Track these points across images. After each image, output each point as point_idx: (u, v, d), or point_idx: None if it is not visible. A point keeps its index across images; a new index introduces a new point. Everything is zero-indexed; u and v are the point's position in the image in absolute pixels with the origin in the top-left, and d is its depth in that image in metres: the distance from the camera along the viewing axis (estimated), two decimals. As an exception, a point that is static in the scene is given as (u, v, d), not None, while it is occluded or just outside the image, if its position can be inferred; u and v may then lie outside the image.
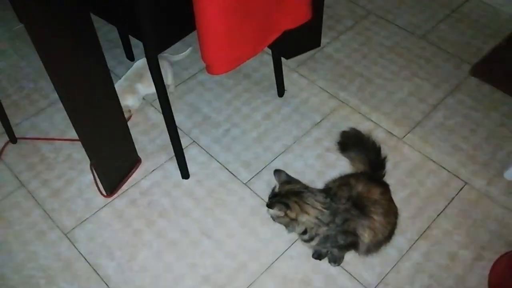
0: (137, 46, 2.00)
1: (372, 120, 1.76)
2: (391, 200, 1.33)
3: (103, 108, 1.44)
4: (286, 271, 1.42)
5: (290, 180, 1.27)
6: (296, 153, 1.69)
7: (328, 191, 1.29)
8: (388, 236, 1.34)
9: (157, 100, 1.40)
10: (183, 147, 1.65)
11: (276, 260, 1.43)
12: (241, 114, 1.81)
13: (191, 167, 1.64)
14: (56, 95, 1.92)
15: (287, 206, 1.21)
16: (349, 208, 1.25)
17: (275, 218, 1.25)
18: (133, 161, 1.65)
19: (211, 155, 1.68)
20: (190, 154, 1.69)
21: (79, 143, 1.70)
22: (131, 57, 1.99)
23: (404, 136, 1.71)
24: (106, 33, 2.08)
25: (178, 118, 1.79)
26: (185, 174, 1.62)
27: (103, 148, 1.50)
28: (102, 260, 1.45)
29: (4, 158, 1.69)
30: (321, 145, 1.70)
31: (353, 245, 1.31)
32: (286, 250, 1.45)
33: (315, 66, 1.95)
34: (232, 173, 1.64)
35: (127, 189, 1.60)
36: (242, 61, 1.37)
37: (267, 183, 1.60)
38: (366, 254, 1.36)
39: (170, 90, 1.86)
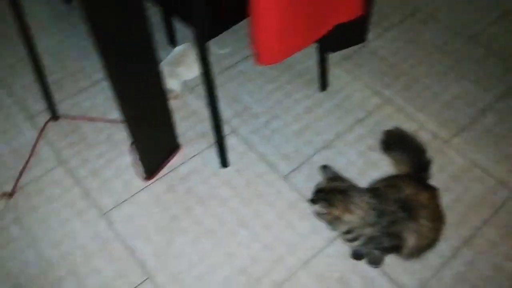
0: (179, 31, 1.99)
1: (416, 121, 1.72)
2: (439, 205, 1.29)
3: (149, 90, 1.43)
4: (323, 268, 1.39)
5: (337, 177, 1.24)
6: (337, 149, 1.66)
7: (375, 191, 1.26)
8: (433, 242, 1.31)
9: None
10: (215, 133, 1.65)
11: (313, 256, 1.41)
12: (282, 106, 1.78)
13: (230, 156, 1.62)
14: (98, 76, 1.96)
15: (332, 204, 1.18)
16: (396, 210, 1.22)
17: (318, 215, 1.23)
18: (173, 146, 1.64)
19: (250, 146, 1.67)
20: (229, 143, 1.67)
21: (120, 124, 1.71)
22: (173, 42, 1.98)
23: (450, 139, 1.67)
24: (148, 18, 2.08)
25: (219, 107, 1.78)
26: (224, 163, 1.61)
27: (146, 131, 1.50)
28: (139, 243, 1.45)
29: (46, 134, 1.71)
30: (364, 143, 1.66)
31: (396, 248, 1.28)
32: (324, 247, 1.43)
33: (359, 62, 1.91)
34: (271, 165, 1.62)
35: (166, 174, 1.60)
36: (291, 53, 1.34)
37: (306, 178, 1.58)
38: (408, 258, 1.32)
39: None
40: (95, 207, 1.52)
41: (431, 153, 1.37)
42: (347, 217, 1.18)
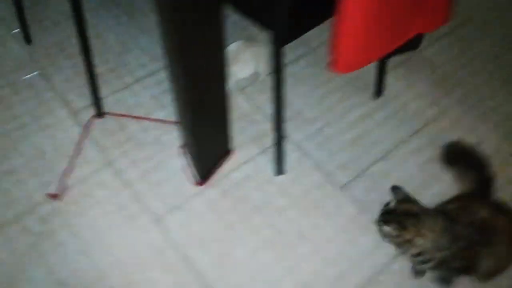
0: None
1: (476, 133, 1.67)
2: None
3: (212, 90, 1.36)
4: (389, 286, 1.34)
5: (408, 199, 1.20)
6: (395, 160, 1.60)
7: (448, 214, 1.21)
8: (507, 266, 1.26)
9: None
10: (275, 142, 1.59)
11: (378, 273, 1.36)
12: (334, 113, 1.72)
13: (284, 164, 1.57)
14: (141, 72, 1.86)
15: (404, 227, 1.14)
16: (470, 234, 1.17)
17: (386, 236, 1.18)
18: (225, 151, 1.58)
19: (304, 153, 1.60)
20: (286, 149, 1.61)
21: (168, 124, 1.64)
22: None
23: (513, 154, 1.62)
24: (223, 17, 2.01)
25: (269, 110, 1.71)
26: (280, 170, 1.54)
27: (202, 133, 1.43)
28: (195, 252, 1.38)
29: (91, 132, 1.63)
30: (423, 155, 1.61)
31: (468, 271, 1.24)
32: (388, 263, 1.37)
33: (412, 69, 1.86)
34: (327, 174, 1.56)
35: (218, 180, 1.53)
36: (370, 62, 1.28)
37: (365, 190, 1.52)
38: (479, 281, 1.28)
39: (260, 78, 1.77)
40: (147, 212, 1.45)
41: (494, 167, 1.33)
42: (419, 241, 1.15)
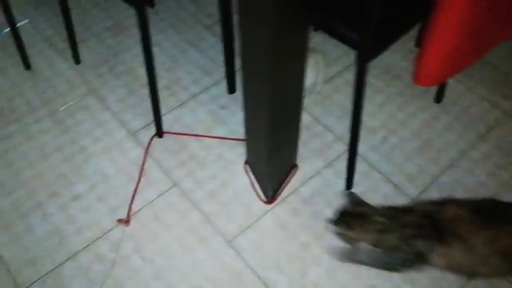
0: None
1: (544, 136, 1.62)
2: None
3: (289, 105, 1.32)
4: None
5: (361, 202, 1.28)
6: (464, 168, 1.56)
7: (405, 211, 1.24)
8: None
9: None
10: (339, 154, 1.56)
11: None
12: (396, 120, 1.68)
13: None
14: (195, 88, 1.82)
15: (350, 227, 1.24)
16: (424, 225, 1.17)
17: (338, 235, 1.28)
18: (291, 166, 1.55)
19: (371, 164, 1.57)
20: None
21: (229, 142, 1.61)
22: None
23: None
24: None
25: (329, 121, 1.67)
26: (349, 184, 1.51)
27: (270, 149, 1.39)
28: (271, 273, 1.36)
29: (152, 153, 1.61)
30: (491, 161, 1.56)
31: (417, 262, 1.21)
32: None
33: (470, 71, 1.81)
34: (397, 187, 1.53)
35: (286, 196, 1.50)
36: (455, 73, 1.24)
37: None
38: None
39: (317, 88, 1.74)
40: (219, 234, 1.43)
41: None
42: (363, 237, 1.24)
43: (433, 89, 1.71)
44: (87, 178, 1.54)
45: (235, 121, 1.68)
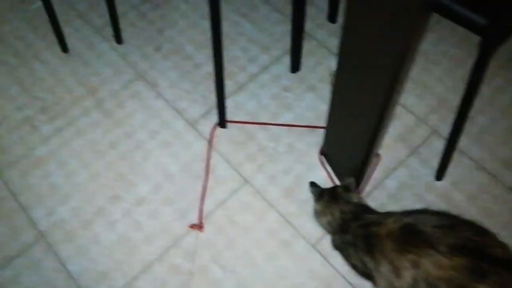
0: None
1: None
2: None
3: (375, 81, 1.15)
4: None
5: (350, 188, 1.22)
6: None
7: (366, 211, 1.18)
8: None
9: None
10: (423, 139, 1.41)
11: None
12: (482, 97, 1.51)
13: (436, 164, 1.38)
14: (254, 68, 1.61)
15: (318, 198, 1.24)
16: (357, 234, 1.12)
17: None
18: (374, 155, 1.40)
19: (461, 151, 1.41)
20: (434, 147, 1.43)
21: (298, 129, 1.46)
22: (333, 19, 1.67)
23: None
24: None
25: (409, 100, 1.51)
26: (440, 175, 1.37)
27: (351, 136, 1.24)
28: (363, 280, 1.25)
29: (216, 146, 1.46)
30: None
31: (365, 276, 1.14)
32: None
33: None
34: (492, 174, 1.38)
35: (371, 191, 1.37)
36: None
37: (538, 189, 1.35)
38: None
39: None
40: (301, 237, 1.30)
41: None
42: (321, 217, 1.22)
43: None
44: (149, 177, 1.40)
45: (302, 105, 1.52)
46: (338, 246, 1.22)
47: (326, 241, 1.29)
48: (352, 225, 1.15)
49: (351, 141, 1.25)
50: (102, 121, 1.50)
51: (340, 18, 1.66)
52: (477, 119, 1.46)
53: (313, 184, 1.28)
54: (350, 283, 1.24)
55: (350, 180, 1.22)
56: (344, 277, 1.25)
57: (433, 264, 0.99)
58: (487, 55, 0.98)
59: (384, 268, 1.05)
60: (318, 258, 1.28)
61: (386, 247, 1.04)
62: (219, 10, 1.12)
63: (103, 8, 1.67)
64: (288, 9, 1.69)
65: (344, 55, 1.04)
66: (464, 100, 1.15)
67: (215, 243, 1.30)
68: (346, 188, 1.22)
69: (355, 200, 1.20)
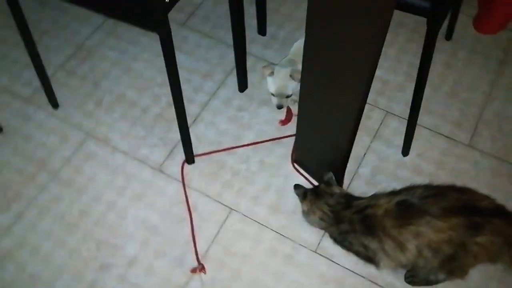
0: (272, 21, 1.71)
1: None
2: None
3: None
4: None
5: (331, 183, 1.26)
6: (500, 98, 1.55)
7: (353, 199, 1.23)
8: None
9: None
10: (380, 121, 1.49)
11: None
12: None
13: (398, 141, 1.47)
14: (202, 97, 1.59)
15: (304, 198, 1.26)
16: (353, 220, 1.17)
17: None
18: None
19: (406, 120, 1.51)
20: (391, 127, 1.50)
21: (263, 145, 1.47)
22: (263, 31, 1.70)
23: None
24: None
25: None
26: (407, 150, 1.44)
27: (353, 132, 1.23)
28: (372, 268, 1.29)
29: (190, 183, 1.43)
30: None
31: (369, 260, 1.20)
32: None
33: None
34: (449, 137, 1.48)
35: (350, 183, 1.41)
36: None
37: (491, 140, 1.48)
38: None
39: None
40: (301, 246, 1.31)
41: None
42: (312, 214, 1.26)
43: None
44: (132, 235, 1.34)
45: (260, 121, 1.53)
46: (337, 238, 1.26)
47: (325, 243, 1.32)
48: (345, 213, 1.19)
49: (327, 143, 1.29)
50: (63, 192, 1.41)
51: (270, 29, 1.71)
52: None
53: (297, 186, 1.30)
54: (362, 276, 1.27)
55: (329, 175, 1.26)
56: (353, 272, 1.28)
57: (432, 229, 1.05)
58: (434, 32, 1.07)
59: (388, 246, 1.10)
60: (324, 261, 1.30)
61: (387, 225, 1.09)
62: (173, 54, 1.11)
63: (27, 76, 1.59)
64: (218, 32, 1.71)
65: (309, 63, 1.07)
66: (418, 78, 1.23)
67: (221, 279, 1.28)
68: (327, 183, 1.26)
69: (337, 191, 1.24)
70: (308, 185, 1.40)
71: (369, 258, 1.20)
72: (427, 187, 1.15)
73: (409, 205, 1.11)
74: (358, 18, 0.87)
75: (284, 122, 1.51)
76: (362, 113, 1.15)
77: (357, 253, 1.23)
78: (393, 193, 1.17)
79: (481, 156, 1.45)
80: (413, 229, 1.08)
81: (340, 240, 1.25)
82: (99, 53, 1.69)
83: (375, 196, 1.19)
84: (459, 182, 1.37)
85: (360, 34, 0.89)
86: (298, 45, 1.52)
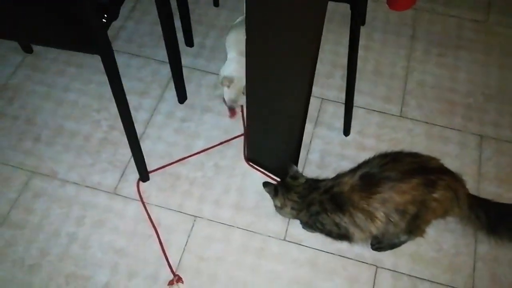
0: (197, 31, 1.76)
1: None
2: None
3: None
4: None
5: (295, 176, 1.30)
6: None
7: (314, 183, 1.29)
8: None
9: None
10: (317, 108, 1.57)
11: None
12: (340, 54, 1.73)
13: (338, 124, 1.56)
14: (144, 114, 1.60)
15: (276, 194, 1.30)
16: (323, 201, 1.24)
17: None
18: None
19: (340, 103, 1.61)
20: (329, 111, 1.60)
21: (214, 150, 1.50)
22: (191, 43, 1.73)
23: None
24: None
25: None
26: (348, 130, 1.54)
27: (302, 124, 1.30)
28: (341, 244, 1.35)
29: (149, 200, 1.41)
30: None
31: (343, 238, 1.27)
32: None
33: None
34: (381, 112, 1.60)
35: (302, 171, 1.47)
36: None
37: (418, 108, 1.62)
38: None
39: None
40: (270, 238, 1.35)
41: None
42: (285, 208, 1.30)
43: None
44: (101, 262, 1.31)
45: (206, 127, 1.56)
46: (307, 222, 1.31)
47: (292, 230, 1.37)
48: (314, 196, 1.24)
49: (278, 136, 1.34)
50: (16, 236, 1.35)
51: (196, 40, 1.75)
52: (345, 72, 1.68)
53: (266, 184, 1.33)
54: (332, 253, 1.34)
55: (294, 169, 1.31)
56: (323, 251, 1.34)
57: (397, 193, 1.14)
58: (358, 16, 1.17)
59: (359, 219, 1.18)
60: (294, 246, 1.35)
61: (355, 199, 1.17)
62: (117, 72, 1.12)
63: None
64: (145, 51, 1.73)
65: (252, 61, 1.12)
66: (349, 62, 1.32)
67: (200, 285, 1.28)
68: (293, 177, 1.30)
69: (301, 181, 1.30)
70: (265, 179, 1.45)
71: (341, 236, 1.26)
72: (381, 156, 1.24)
73: (371, 175, 1.19)
74: (295, 11, 0.93)
75: (232, 114, 1.56)
76: (308, 102, 1.22)
77: (329, 233, 1.29)
78: (353, 169, 1.24)
79: (412, 123, 1.58)
80: (380, 197, 1.16)
81: (312, 223, 1.29)
82: (27, 89, 1.63)
83: (338, 176, 1.26)
84: (399, 149, 1.49)
85: (299, 25, 0.96)
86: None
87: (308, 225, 1.32)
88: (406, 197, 1.15)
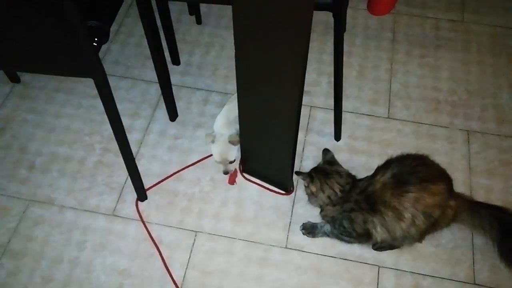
0: (182, 50, 1.78)
1: None
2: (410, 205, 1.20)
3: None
4: None
5: (333, 161, 1.34)
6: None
7: (355, 180, 1.31)
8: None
9: None
10: (307, 115, 1.60)
11: None
12: (325, 61, 1.77)
13: (328, 129, 1.59)
14: (136, 135, 1.62)
15: (312, 180, 1.30)
16: (359, 200, 1.25)
17: (304, 186, 1.36)
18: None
19: (329, 109, 1.64)
20: (318, 118, 1.62)
21: (209, 163, 1.52)
22: (177, 61, 1.76)
23: None
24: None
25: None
26: (339, 134, 1.57)
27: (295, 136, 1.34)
28: (343, 247, 1.37)
29: (148, 218, 1.42)
30: None
31: (362, 238, 1.30)
32: None
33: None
34: (369, 115, 1.63)
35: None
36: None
37: (405, 108, 1.65)
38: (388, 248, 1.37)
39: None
40: (272, 246, 1.37)
41: None
42: (320, 194, 1.31)
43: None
44: (106, 285, 1.31)
45: (199, 142, 1.58)
46: (335, 216, 1.30)
47: (292, 237, 1.39)
48: (351, 194, 1.26)
49: (272, 148, 1.36)
50: (19, 265, 1.34)
51: (183, 58, 1.77)
52: (331, 79, 1.72)
53: (298, 173, 1.33)
54: (334, 256, 1.36)
55: (330, 154, 1.33)
56: (325, 255, 1.36)
57: (428, 194, 1.17)
58: (341, 23, 1.20)
59: (388, 217, 1.19)
60: (296, 253, 1.37)
61: (386, 196, 1.18)
62: (111, 94, 1.13)
63: None
64: (132, 72, 1.75)
65: (242, 80, 1.15)
66: (335, 68, 1.35)
67: (207, 299, 1.29)
68: (330, 162, 1.32)
69: (340, 169, 1.31)
70: (262, 190, 1.47)
71: (361, 236, 1.27)
72: (410, 157, 1.26)
73: (404, 174, 1.20)
74: (282, 21, 0.96)
75: (231, 180, 1.50)
76: (300, 112, 1.25)
77: (350, 233, 1.28)
78: (382, 167, 1.26)
79: (401, 124, 1.62)
80: (412, 196, 1.17)
81: (340, 218, 1.28)
82: (17, 119, 1.64)
83: (371, 175, 1.27)
84: (390, 151, 1.52)
85: (286, 35, 0.99)
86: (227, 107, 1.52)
87: (333, 219, 1.30)
88: (435, 200, 1.18)
